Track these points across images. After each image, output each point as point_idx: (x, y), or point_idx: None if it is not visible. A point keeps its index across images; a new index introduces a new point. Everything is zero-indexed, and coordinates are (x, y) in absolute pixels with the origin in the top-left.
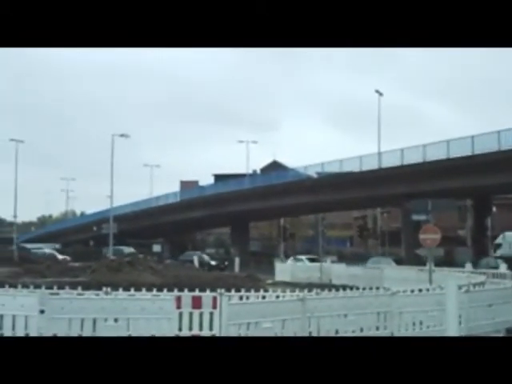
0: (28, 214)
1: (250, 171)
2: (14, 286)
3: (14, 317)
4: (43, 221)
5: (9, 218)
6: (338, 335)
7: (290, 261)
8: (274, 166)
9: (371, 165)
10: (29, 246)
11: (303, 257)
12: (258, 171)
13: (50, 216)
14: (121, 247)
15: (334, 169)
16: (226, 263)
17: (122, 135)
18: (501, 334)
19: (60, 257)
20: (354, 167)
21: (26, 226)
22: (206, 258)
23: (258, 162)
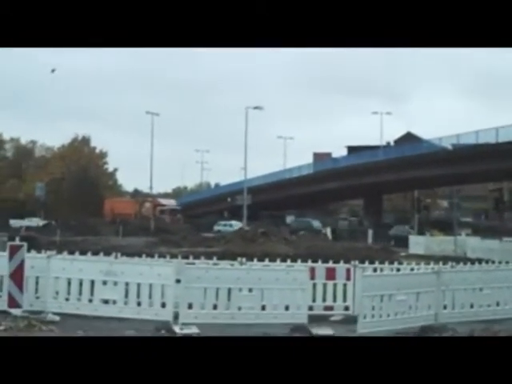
0: (163, 185)
1: (384, 143)
2: (150, 255)
3: (150, 286)
4: (178, 192)
5: (145, 189)
6: (471, 309)
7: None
8: (408, 138)
9: (508, 136)
10: None
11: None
12: (392, 143)
13: (185, 188)
14: (306, 219)
15: (470, 140)
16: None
17: (255, 107)
18: None
19: None
20: (490, 139)
21: (162, 197)
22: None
23: (391, 134)
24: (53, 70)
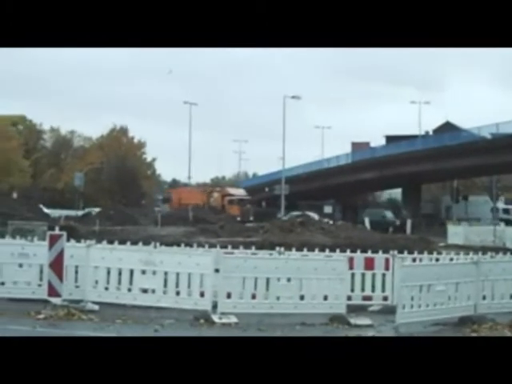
0: (202, 175)
1: (423, 132)
2: (189, 245)
3: (189, 275)
4: (216, 182)
5: (183, 179)
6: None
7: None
8: (447, 127)
9: None
10: None
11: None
12: (431, 132)
13: (223, 177)
14: (379, 210)
15: (510, 130)
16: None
17: (293, 97)
18: None
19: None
20: None
21: (200, 187)
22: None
23: (430, 123)
24: (170, 71)
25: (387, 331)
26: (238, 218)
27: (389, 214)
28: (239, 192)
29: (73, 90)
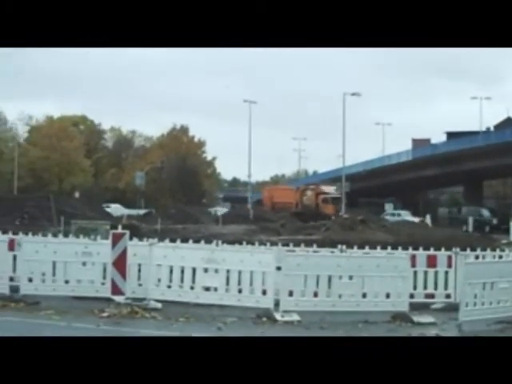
0: (261, 173)
1: (484, 128)
2: (251, 243)
3: (251, 273)
4: (276, 180)
5: (243, 177)
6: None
7: None
8: (508, 123)
9: None
10: None
11: None
12: (492, 128)
13: (283, 175)
14: (477, 208)
15: None
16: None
17: (353, 94)
18: None
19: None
20: None
21: (260, 185)
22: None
23: (491, 119)
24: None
25: (450, 329)
26: (333, 217)
27: (486, 213)
28: (332, 190)
29: (133, 90)
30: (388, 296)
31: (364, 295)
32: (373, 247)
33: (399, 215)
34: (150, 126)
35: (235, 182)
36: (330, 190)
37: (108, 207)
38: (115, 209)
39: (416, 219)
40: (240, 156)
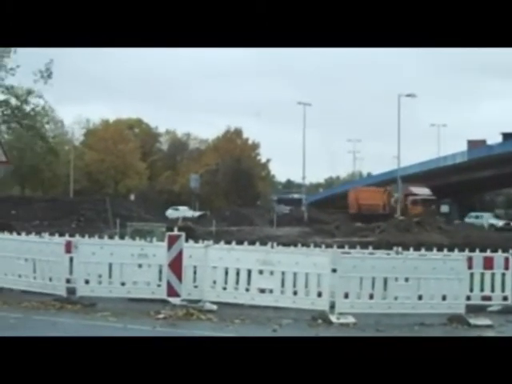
0: (315, 175)
1: None
2: (305, 245)
3: (306, 275)
4: (330, 182)
5: (297, 179)
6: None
7: None
8: None
9: None
10: None
11: None
12: None
13: (338, 177)
14: None
15: None
16: None
17: (408, 95)
18: None
19: None
20: None
21: (314, 187)
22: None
23: None
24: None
25: (508, 332)
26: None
27: None
28: (424, 191)
29: (188, 93)
30: (444, 298)
31: (420, 297)
32: (429, 249)
33: (482, 217)
34: (203, 128)
35: (289, 183)
36: (422, 191)
37: (176, 209)
38: (183, 211)
39: (501, 222)
40: (294, 158)
